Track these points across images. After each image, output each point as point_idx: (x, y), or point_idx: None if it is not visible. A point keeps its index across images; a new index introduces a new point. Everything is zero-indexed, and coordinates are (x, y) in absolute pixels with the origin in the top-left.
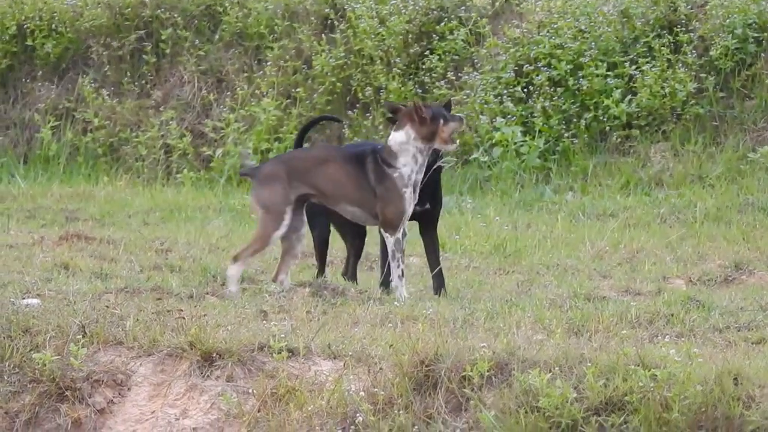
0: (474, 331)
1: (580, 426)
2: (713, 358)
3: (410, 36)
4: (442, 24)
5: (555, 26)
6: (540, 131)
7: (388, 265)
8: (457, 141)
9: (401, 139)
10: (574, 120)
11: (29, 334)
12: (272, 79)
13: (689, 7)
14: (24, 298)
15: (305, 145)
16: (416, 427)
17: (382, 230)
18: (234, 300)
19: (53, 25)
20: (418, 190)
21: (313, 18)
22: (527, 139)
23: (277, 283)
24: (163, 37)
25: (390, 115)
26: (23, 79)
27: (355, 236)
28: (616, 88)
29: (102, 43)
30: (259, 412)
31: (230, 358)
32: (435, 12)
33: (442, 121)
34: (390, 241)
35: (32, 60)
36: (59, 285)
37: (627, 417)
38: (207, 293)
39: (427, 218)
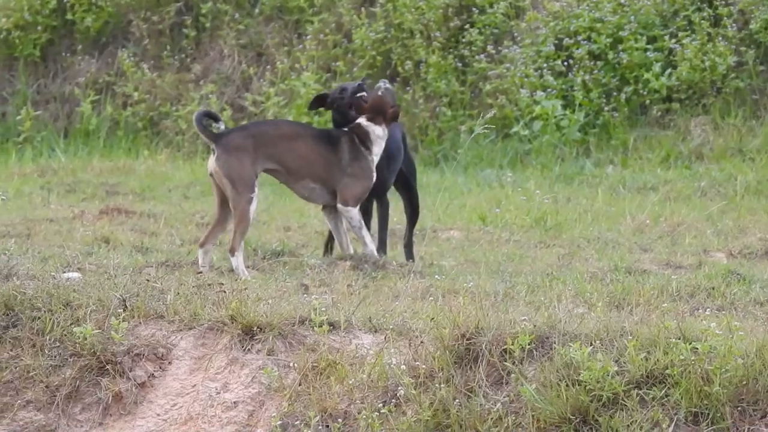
0: (515, 304)
1: (621, 399)
2: (754, 331)
3: (450, 9)
4: None
5: (595, 0)
6: (580, 105)
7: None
8: None
9: (381, 133)
10: (614, 93)
11: (70, 308)
12: (312, 52)
13: None
14: (65, 272)
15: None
16: (457, 400)
17: (342, 205)
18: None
19: None
20: None
21: None
22: (567, 112)
23: (203, 251)
24: (203, 11)
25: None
26: (63, 54)
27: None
28: (656, 62)
29: (142, 16)
30: (299, 385)
31: (271, 331)
32: None
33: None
34: (354, 213)
35: (72, 34)
36: (100, 259)
37: (668, 390)
38: (248, 267)
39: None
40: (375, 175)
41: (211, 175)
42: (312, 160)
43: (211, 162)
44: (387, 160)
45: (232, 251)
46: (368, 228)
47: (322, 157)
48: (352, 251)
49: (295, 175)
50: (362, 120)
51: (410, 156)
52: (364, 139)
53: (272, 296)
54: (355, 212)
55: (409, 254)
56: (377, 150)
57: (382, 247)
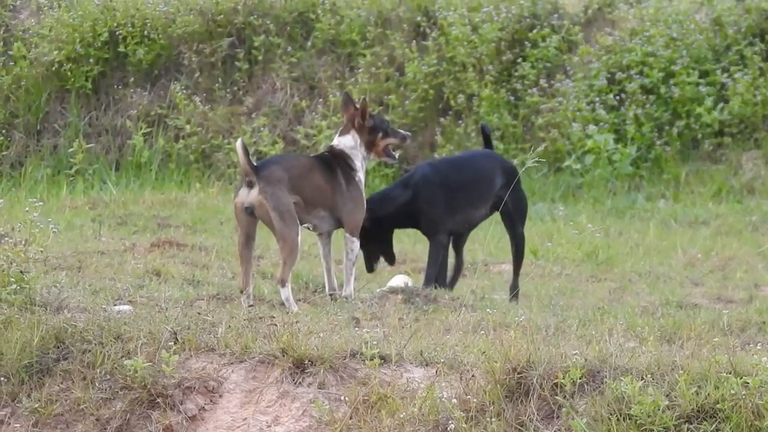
0: (566, 338)
1: None
2: None
3: (502, 43)
4: (535, 31)
5: (647, 34)
6: (632, 138)
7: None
8: (396, 155)
9: (350, 143)
10: (666, 127)
11: (121, 341)
12: (364, 85)
13: None
14: (116, 305)
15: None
16: None
17: (350, 234)
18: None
19: (145, 32)
20: None
21: (405, 25)
22: (619, 146)
23: (245, 294)
24: (255, 44)
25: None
26: (115, 86)
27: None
28: (708, 96)
29: (194, 49)
30: (351, 419)
31: (322, 364)
32: (527, 19)
33: (380, 134)
34: (356, 245)
35: (124, 66)
36: (151, 291)
37: (719, 425)
38: (299, 300)
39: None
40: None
41: (247, 208)
42: (323, 188)
43: (252, 194)
44: (460, 191)
45: (283, 283)
46: (441, 264)
47: (329, 185)
48: (335, 284)
49: (309, 206)
50: (335, 138)
51: (520, 194)
52: (343, 158)
53: (323, 329)
54: (357, 245)
55: (514, 297)
56: (358, 164)
57: (451, 284)
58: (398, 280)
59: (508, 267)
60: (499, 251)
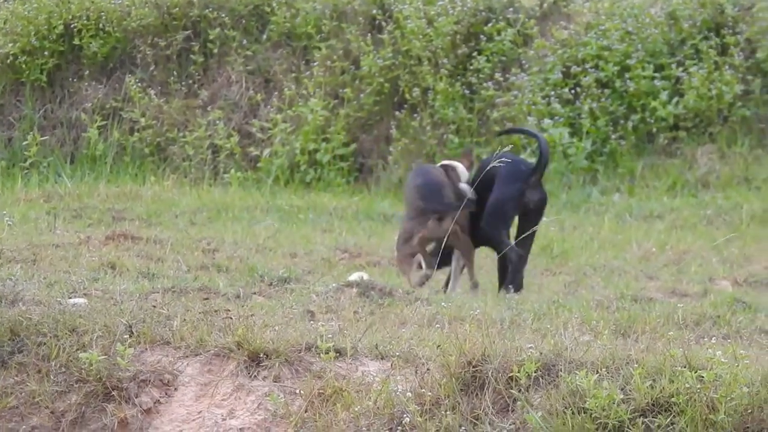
0: (521, 331)
1: (626, 427)
2: (759, 359)
3: (458, 37)
4: (490, 25)
5: (602, 28)
6: (587, 132)
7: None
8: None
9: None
10: (621, 121)
11: (76, 334)
12: (320, 79)
13: (736, 9)
14: (71, 298)
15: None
16: (463, 427)
17: None
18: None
19: (100, 25)
20: None
21: (360, 18)
22: (574, 140)
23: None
24: (210, 37)
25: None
26: (70, 79)
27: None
28: (663, 90)
29: (149, 42)
30: (306, 412)
31: (277, 358)
32: (483, 13)
33: None
34: None
35: (79, 59)
36: (106, 284)
37: (673, 418)
38: (254, 293)
39: None
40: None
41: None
42: None
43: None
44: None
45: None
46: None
47: None
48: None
49: None
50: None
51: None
52: None
53: (278, 323)
54: None
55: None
56: None
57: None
58: (355, 276)
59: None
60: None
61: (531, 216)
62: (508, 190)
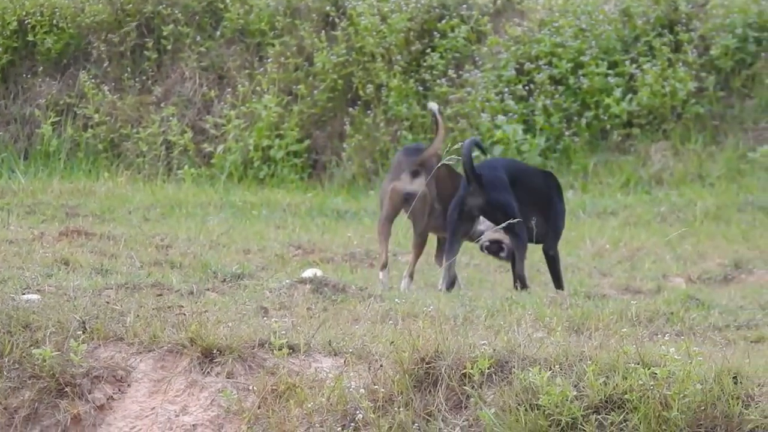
0: (474, 328)
1: (579, 424)
2: (713, 356)
3: (411, 33)
4: (444, 21)
5: (556, 24)
6: (541, 129)
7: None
8: None
9: None
10: (575, 118)
11: (29, 330)
12: (273, 75)
13: (690, 6)
14: (24, 294)
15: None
16: (416, 424)
17: None
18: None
19: (54, 21)
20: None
21: (314, 15)
22: (528, 137)
23: (386, 271)
24: (164, 33)
25: None
26: (24, 75)
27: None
28: (617, 87)
29: (103, 38)
30: (259, 408)
31: (230, 354)
32: (436, 9)
33: None
34: None
35: (33, 55)
36: (59, 281)
37: (626, 415)
38: (207, 289)
39: None
40: None
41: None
42: None
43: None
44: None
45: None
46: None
47: None
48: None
49: None
50: None
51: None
52: None
53: (232, 319)
54: None
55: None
56: None
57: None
58: (309, 272)
59: (423, 257)
60: (407, 241)
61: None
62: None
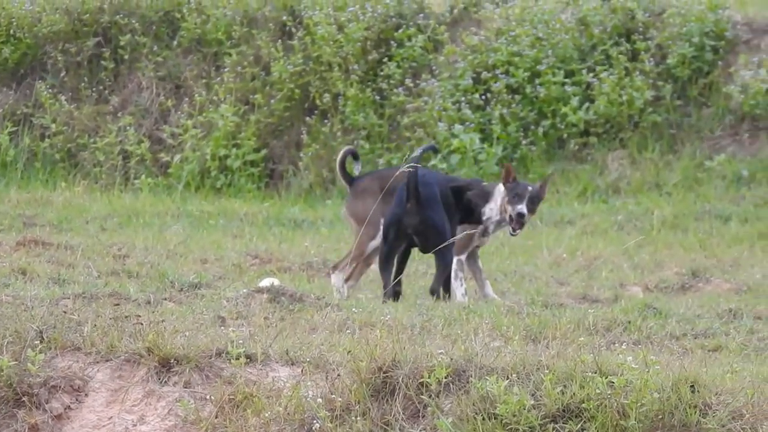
0: (432, 337)
1: None
2: (670, 365)
3: (368, 43)
4: (401, 31)
5: (513, 34)
6: (498, 138)
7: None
8: None
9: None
10: (532, 127)
11: None
12: (230, 85)
13: (647, 15)
14: None
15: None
16: None
17: None
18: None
19: (11, 31)
20: None
21: (271, 24)
22: (485, 146)
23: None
24: (121, 43)
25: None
26: None
27: None
28: (574, 96)
29: (60, 48)
30: (216, 418)
31: (188, 364)
32: (393, 19)
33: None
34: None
35: None
36: (17, 290)
37: (584, 424)
38: (164, 299)
39: None
40: None
41: None
42: None
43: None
44: None
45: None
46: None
47: None
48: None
49: None
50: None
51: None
52: None
53: (189, 328)
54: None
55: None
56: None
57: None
58: (266, 282)
59: (375, 266)
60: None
61: (420, 240)
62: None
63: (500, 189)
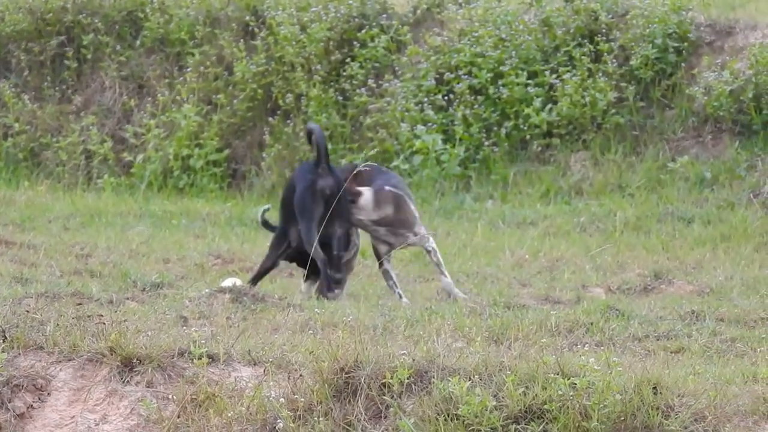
0: (394, 338)
1: None
2: (632, 367)
3: (331, 43)
4: (363, 31)
5: (476, 34)
6: (460, 139)
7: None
8: None
9: None
10: (495, 128)
11: None
12: (193, 85)
13: (610, 16)
14: None
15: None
16: None
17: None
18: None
19: None
20: None
21: (234, 24)
22: (448, 147)
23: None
24: (84, 43)
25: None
26: None
27: None
28: (537, 97)
29: (23, 47)
30: (178, 417)
31: (150, 363)
32: (356, 19)
33: None
34: None
35: None
36: None
37: (546, 425)
38: (127, 299)
39: None
40: None
41: None
42: None
43: None
44: None
45: None
46: None
47: None
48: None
49: None
50: None
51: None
52: None
53: (151, 328)
54: None
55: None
56: None
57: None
58: (228, 282)
59: None
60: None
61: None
62: (302, 185)
63: None
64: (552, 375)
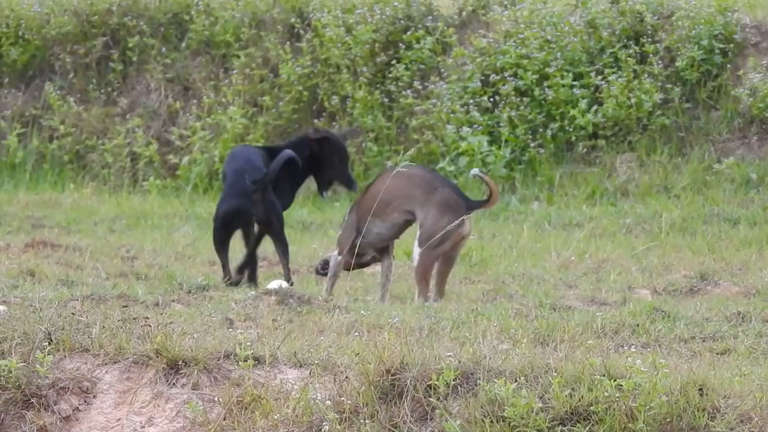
0: (440, 340)
1: None
2: (678, 368)
3: (377, 45)
4: (409, 33)
5: (521, 36)
6: (506, 141)
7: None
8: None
9: None
10: (540, 130)
11: None
12: (238, 87)
13: (655, 17)
14: None
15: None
16: None
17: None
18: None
19: (20, 32)
20: None
21: (279, 26)
22: (493, 148)
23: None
24: (129, 45)
25: None
26: None
27: None
28: (582, 99)
29: (68, 50)
30: (224, 420)
31: (196, 365)
32: (402, 21)
33: None
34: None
35: None
36: (25, 292)
37: (592, 427)
38: (173, 301)
39: None
40: None
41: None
42: None
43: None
44: None
45: None
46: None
47: None
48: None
49: None
50: None
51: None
52: None
53: (197, 330)
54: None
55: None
56: None
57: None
58: (274, 284)
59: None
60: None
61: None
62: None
63: None
64: (598, 377)
